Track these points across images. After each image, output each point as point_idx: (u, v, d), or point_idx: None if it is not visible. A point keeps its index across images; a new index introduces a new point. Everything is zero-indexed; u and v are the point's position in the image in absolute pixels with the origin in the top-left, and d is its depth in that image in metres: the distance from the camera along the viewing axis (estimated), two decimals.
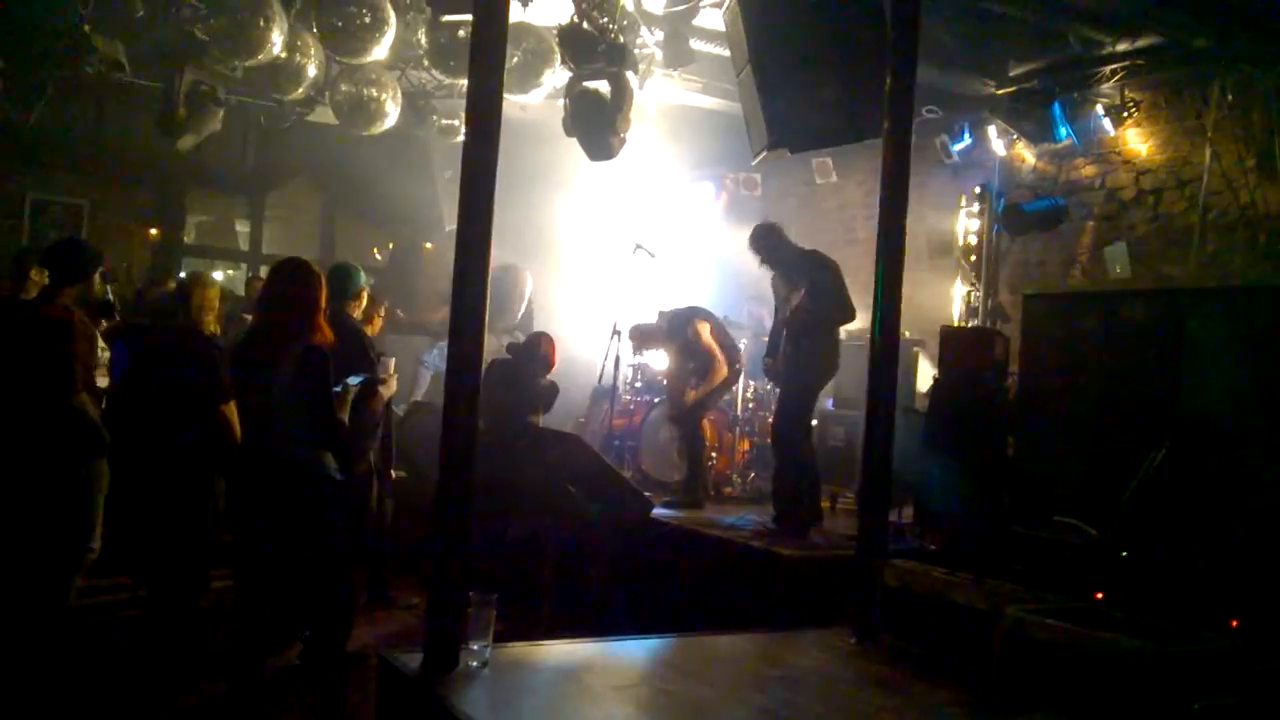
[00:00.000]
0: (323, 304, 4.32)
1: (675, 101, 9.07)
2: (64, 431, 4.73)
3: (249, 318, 8.14)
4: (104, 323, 5.45)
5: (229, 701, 4.25)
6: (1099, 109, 7.79)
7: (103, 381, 5.28)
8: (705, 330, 7.55)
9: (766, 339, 7.13)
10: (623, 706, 3.45)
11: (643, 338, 8.17)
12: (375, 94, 8.41)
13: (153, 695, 4.83)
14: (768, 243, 6.69)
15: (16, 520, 4.76)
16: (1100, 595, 4.13)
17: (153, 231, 11.13)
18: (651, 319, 8.40)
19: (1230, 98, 7.24)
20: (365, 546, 5.88)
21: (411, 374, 9.63)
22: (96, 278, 5.13)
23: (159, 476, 5.43)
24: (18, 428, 4.73)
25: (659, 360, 8.46)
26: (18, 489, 4.73)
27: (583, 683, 3.65)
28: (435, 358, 9.75)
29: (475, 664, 3.58)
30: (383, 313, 6.80)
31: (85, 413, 4.78)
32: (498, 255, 3.81)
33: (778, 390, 7.04)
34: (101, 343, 5.27)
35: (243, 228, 12.57)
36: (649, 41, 7.84)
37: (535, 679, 3.66)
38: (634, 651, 4.15)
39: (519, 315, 9.75)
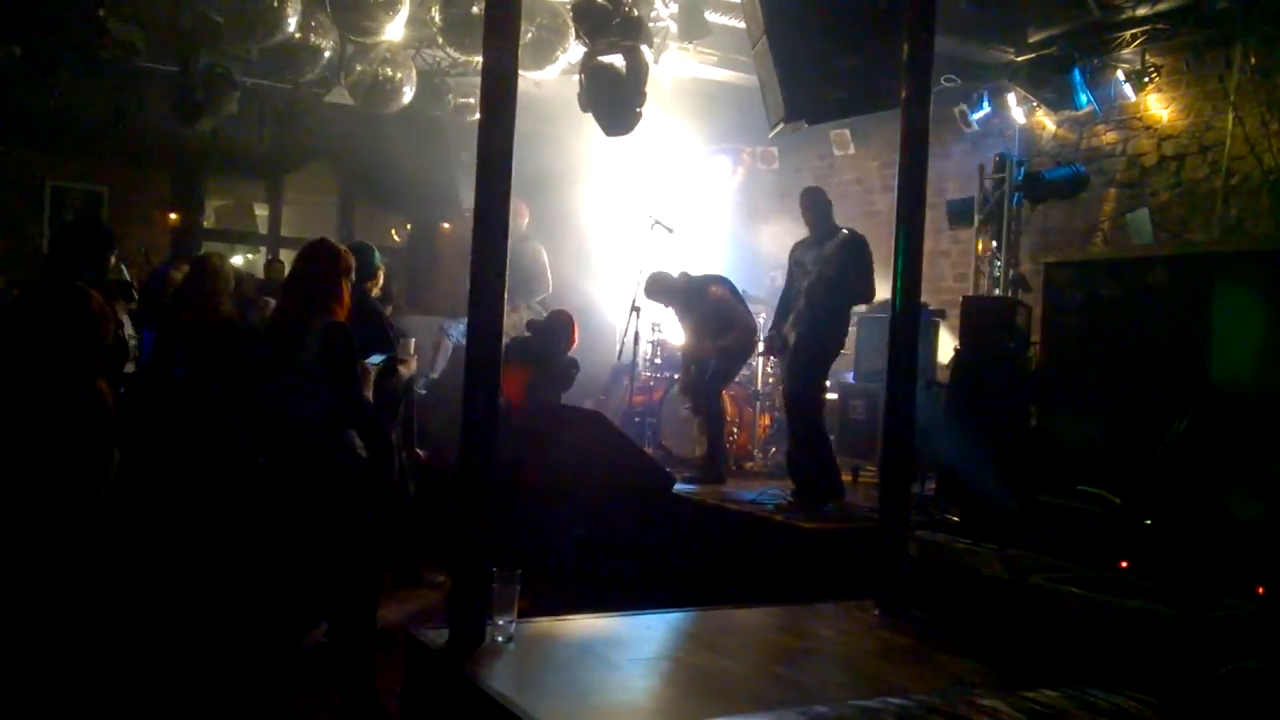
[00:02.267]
0: (344, 280, 4.34)
1: (691, 75, 9.01)
2: (77, 418, 4.73)
3: (271, 300, 8.19)
4: (124, 305, 5.46)
5: (258, 680, 4.29)
6: (1119, 74, 7.70)
7: (129, 367, 5.29)
8: (725, 295, 7.57)
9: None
10: (647, 680, 3.47)
11: (654, 287, 7.94)
12: (390, 73, 8.40)
13: (184, 674, 4.89)
14: (817, 200, 6.76)
15: (13, 504, 4.78)
16: (1125, 563, 4.13)
17: (172, 216, 11.17)
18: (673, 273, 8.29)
19: (1253, 60, 7.13)
20: (389, 524, 5.92)
21: (432, 348, 9.64)
22: (112, 259, 5.11)
23: (180, 457, 5.47)
24: (30, 411, 4.74)
25: (678, 334, 8.45)
26: (20, 472, 4.74)
27: (607, 657, 3.66)
28: (459, 330, 9.74)
29: (500, 639, 3.60)
30: (395, 294, 6.83)
31: (104, 400, 4.78)
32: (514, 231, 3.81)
33: (785, 362, 7.03)
34: (130, 329, 5.28)
35: (261, 211, 12.59)
36: (664, 14, 7.78)
37: (560, 653, 3.68)
38: (657, 626, 4.17)
39: (550, 286, 9.71)
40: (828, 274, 6.37)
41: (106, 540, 5.10)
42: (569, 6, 7.09)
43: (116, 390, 4.95)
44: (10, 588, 4.80)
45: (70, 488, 4.74)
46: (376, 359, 4.74)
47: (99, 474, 4.81)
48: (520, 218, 9.62)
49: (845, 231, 6.48)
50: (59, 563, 4.78)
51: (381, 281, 6.00)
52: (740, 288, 8.13)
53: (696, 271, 8.07)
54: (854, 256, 6.36)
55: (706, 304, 7.59)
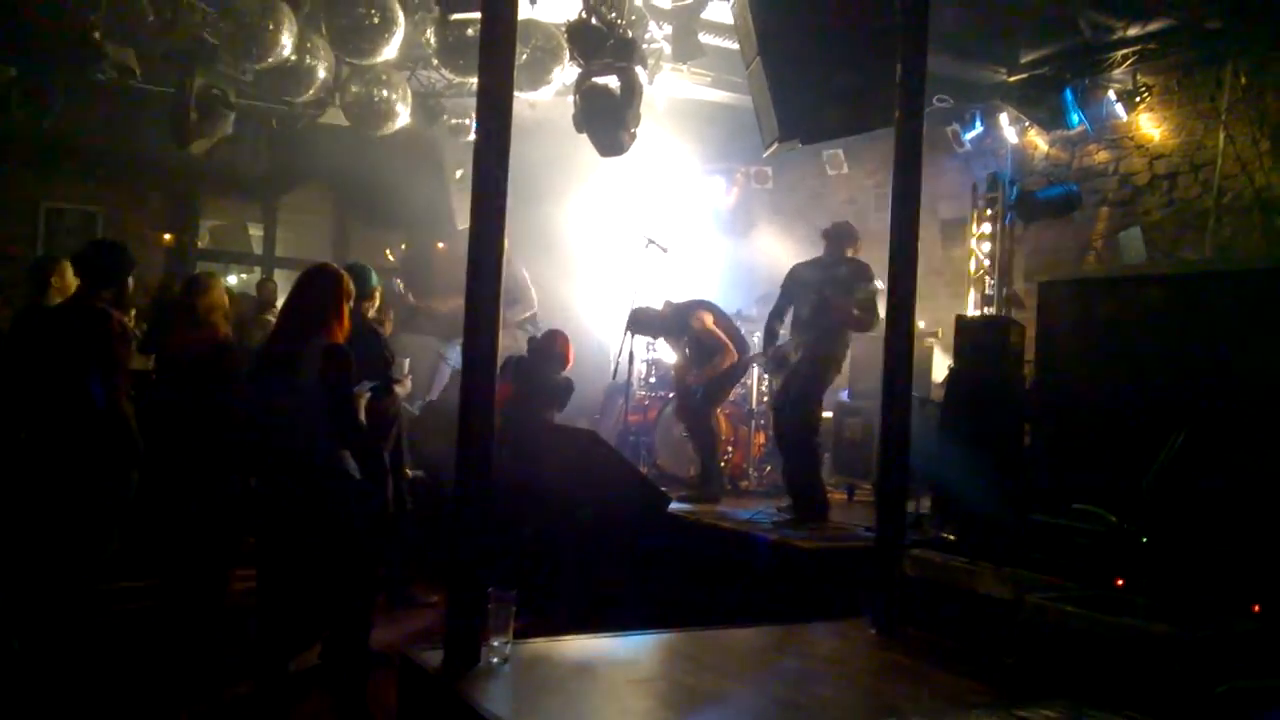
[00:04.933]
0: (344, 304, 4.35)
1: (685, 95, 9.06)
2: (103, 440, 4.73)
3: (271, 319, 8.19)
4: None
5: (253, 701, 4.27)
6: (1111, 94, 7.76)
7: None
8: (709, 319, 7.57)
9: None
10: (644, 700, 3.45)
11: (639, 323, 8.01)
12: (385, 94, 8.42)
13: (177, 696, 4.86)
14: (843, 233, 6.86)
15: (36, 524, 4.78)
16: (1121, 582, 4.12)
17: (166, 237, 11.18)
18: (657, 304, 8.30)
19: (1244, 80, 7.19)
20: (383, 546, 5.90)
21: (429, 370, 9.64)
22: (130, 280, 5.14)
23: (176, 477, 5.46)
24: (56, 432, 4.74)
25: (672, 354, 8.46)
26: (44, 493, 4.75)
27: (603, 677, 3.65)
28: (456, 354, 9.73)
29: (496, 660, 3.58)
30: (391, 315, 6.83)
31: (127, 421, 4.79)
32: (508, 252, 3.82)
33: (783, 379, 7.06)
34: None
35: (256, 231, 12.60)
36: (657, 36, 7.83)
37: (556, 674, 3.66)
38: (653, 646, 4.15)
39: (535, 304, 9.72)
40: (833, 296, 6.45)
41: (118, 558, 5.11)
42: (563, 28, 7.13)
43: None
44: (25, 601, 4.81)
45: (91, 508, 4.74)
46: (367, 386, 4.74)
47: (119, 494, 4.82)
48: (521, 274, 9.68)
49: (862, 265, 6.63)
50: (75, 581, 4.78)
51: (379, 302, 6.01)
52: (735, 308, 8.15)
53: (680, 297, 8.07)
54: (871, 297, 6.49)
55: (690, 333, 7.62)
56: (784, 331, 6.93)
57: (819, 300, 6.55)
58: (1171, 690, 3.26)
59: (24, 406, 4.92)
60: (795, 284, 6.85)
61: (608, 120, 7.07)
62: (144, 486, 5.15)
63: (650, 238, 8.53)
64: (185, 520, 5.50)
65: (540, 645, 3.98)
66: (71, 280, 5.50)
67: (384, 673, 4.54)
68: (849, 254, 6.80)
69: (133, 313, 5.59)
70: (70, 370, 4.75)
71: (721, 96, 9.04)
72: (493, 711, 3.12)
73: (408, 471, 6.38)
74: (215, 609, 5.57)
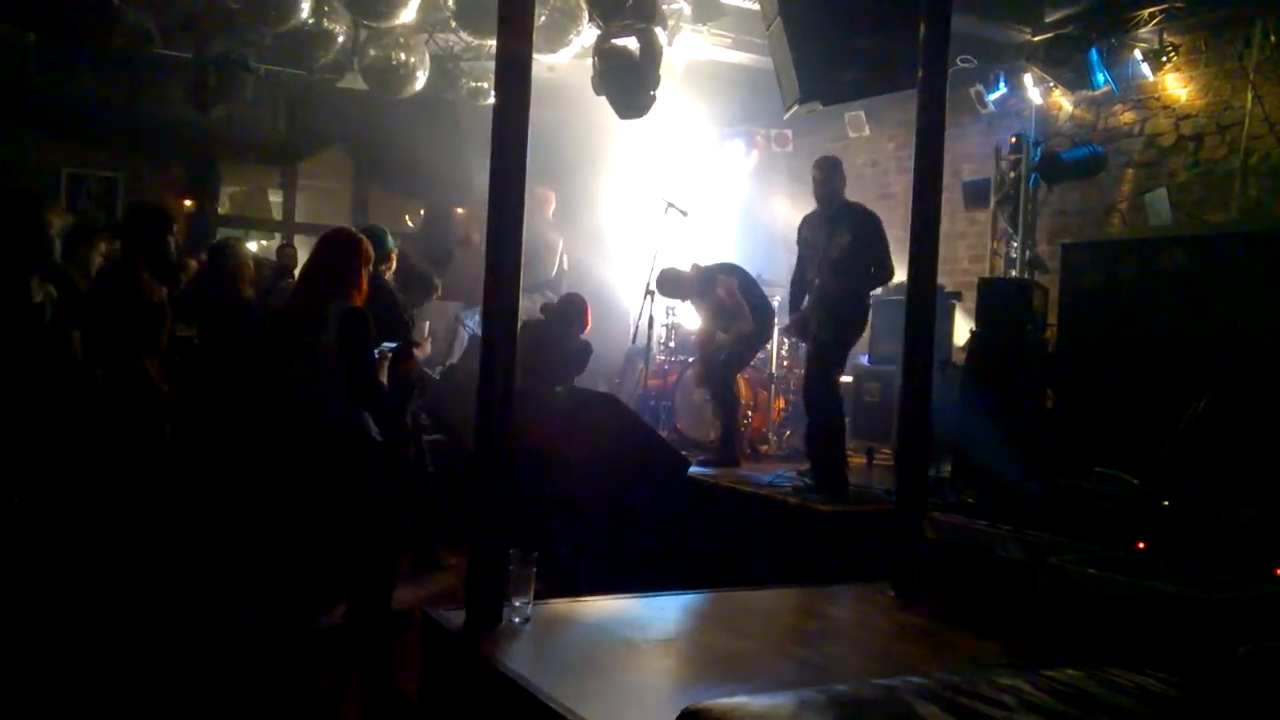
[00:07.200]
0: (362, 268, 4.36)
1: (705, 57, 8.98)
2: (122, 397, 4.77)
3: (291, 284, 8.23)
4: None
5: (275, 660, 4.32)
6: (1137, 54, 7.65)
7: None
8: (733, 285, 7.55)
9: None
10: (664, 660, 3.48)
11: (666, 284, 7.96)
12: (404, 58, 8.40)
13: (201, 655, 4.92)
14: (832, 173, 6.52)
15: (64, 482, 4.83)
16: (1143, 545, 4.11)
17: (187, 203, 11.20)
18: (684, 267, 8.28)
19: (1272, 39, 7.07)
20: (406, 507, 5.94)
21: (448, 335, 9.66)
22: (170, 241, 5.18)
23: (203, 441, 5.51)
24: (82, 391, 4.79)
25: (693, 319, 8.44)
26: (71, 451, 4.80)
27: (624, 637, 3.67)
28: (475, 321, 9.75)
29: (517, 620, 3.62)
30: (438, 291, 6.83)
31: (146, 375, 4.82)
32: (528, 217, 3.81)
33: (805, 346, 7.02)
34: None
35: (275, 197, 12.62)
36: None
37: (577, 634, 3.69)
38: (673, 607, 4.17)
39: (553, 272, 9.73)
40: (841, 257, 6.31)
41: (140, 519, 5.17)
42: None
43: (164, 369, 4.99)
44: (52, 559, 4.88)
45: (119, 463, 4.79)
46: (388, 346, 4.76)
47: (146, 449, 4.85)
48: (546, 205, 9.64)
49: (855, 208, 6.41)
50: (104, 537, 4.84)
51: (395, 265, 6.01)
52: (755, 271, 8.10)
53: (708, 259, 8.04)
54: (869, 237, 6.29)
55: (714, 297, 7.58)
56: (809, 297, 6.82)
57: (825, 263, 6.42)
58: (1193, 652, 3.26)
59: (55, 367, 4.98)
60: (803, 244, 6.73)
61: (627, 82, 7.02)
62: (174, 449, 5.20)
63: (670, 201, 8.49)
64: (209, 482, 5.55)
65: (561, 606, 4.00)
66: (96, 249, 5.54)
67: (406, 633, 4.59)
68: (845, 199, 6.51)
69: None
70: (98, 332, 4.80)
71: (741, 58, 8.97)
72: (514, 670, 3.14)
73: (424, 437, 6.41)
74: (242, 569, 5.63)
